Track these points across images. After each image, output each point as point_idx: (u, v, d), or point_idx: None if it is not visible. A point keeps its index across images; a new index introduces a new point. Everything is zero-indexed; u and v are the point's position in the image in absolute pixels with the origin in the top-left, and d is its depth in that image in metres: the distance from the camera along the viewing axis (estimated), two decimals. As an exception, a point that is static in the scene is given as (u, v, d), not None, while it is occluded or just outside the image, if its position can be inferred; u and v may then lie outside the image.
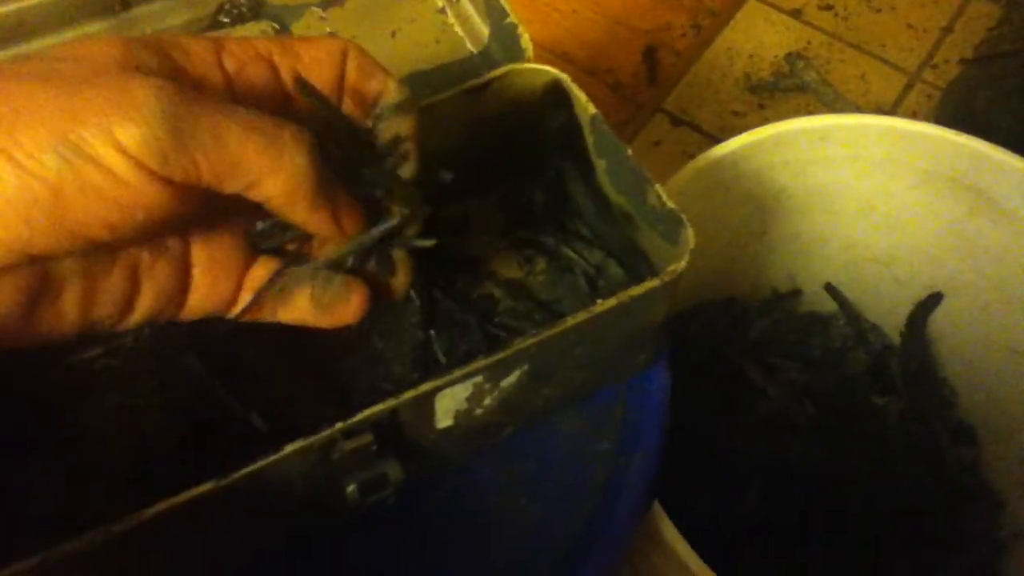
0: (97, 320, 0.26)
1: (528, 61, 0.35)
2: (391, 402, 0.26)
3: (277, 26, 0.37)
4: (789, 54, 0.80)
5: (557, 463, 0.32)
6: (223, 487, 0.24)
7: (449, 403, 0.27)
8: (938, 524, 0.47)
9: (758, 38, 0.82)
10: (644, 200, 0.31)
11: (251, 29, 0.37)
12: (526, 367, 0.28)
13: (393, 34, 0.38)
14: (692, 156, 0.81)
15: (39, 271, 0.24)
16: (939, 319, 0.52)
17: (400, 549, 0.30)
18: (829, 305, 0.55)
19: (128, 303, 0.26)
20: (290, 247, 0.29)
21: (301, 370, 0.31)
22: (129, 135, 0.22)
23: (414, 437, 0.28)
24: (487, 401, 0.28)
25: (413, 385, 0.26)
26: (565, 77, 0.33)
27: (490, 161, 0.36)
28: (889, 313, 0.54)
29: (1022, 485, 0.47)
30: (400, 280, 0.29)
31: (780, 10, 0.84)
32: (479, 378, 0.27)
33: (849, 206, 0.50)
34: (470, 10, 0.38)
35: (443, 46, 0.37)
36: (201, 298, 0.27)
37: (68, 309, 0.25)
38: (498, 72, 0.33)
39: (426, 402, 0.27)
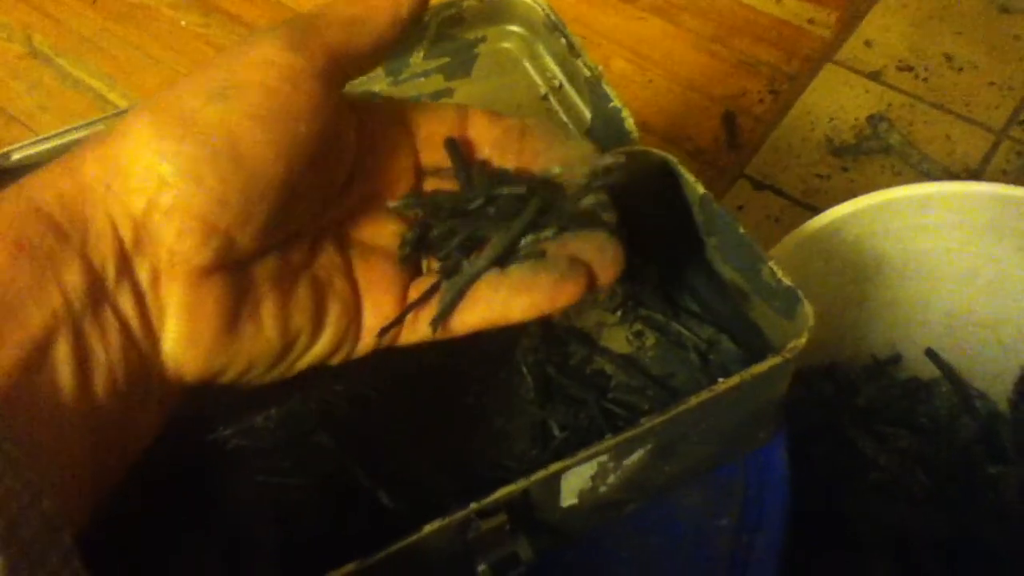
0: (294, 335, 0.26)
1: (634, 143, 0.36)
2: (523, 482, 0.26)
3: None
4: (871, 116, 0.80)
5: (679, 538, 0.32)
6: (366, 567, 0.25)
7: (575, 482, 0.28)
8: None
9: (838, 101, 0.82)
10: (759, 276, 0.31)
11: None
12: (649, 446, 0.29)
13: (500, 121, 0.39)
14: (776, 220, 0.81)
15: (238, 279, 0.25)
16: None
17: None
18: (930, 371, 0.54)
19: (319, 318, 0.26)
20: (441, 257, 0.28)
21: (424, 445, 0.32)
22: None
23: (541, 515, 0.29)
24: (611, 479, 0.29)
25: (536, 462, 0.27)
26: (672, 158, 0.34)
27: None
28: (996, 379, 0.53)
29: None
30: (607, 266, 0.26)
31: (859, 72, 0.84)
32: (604, 457, 0.28)
33: (951, 272, 0.50)
34: (572, 96, 0.39)
35: (549, 131, 0.39)
36: (372, 321, 0.27)
37: (267, 322, 0.25)
38: (615, 153, 0.34)
39: (554, 481, 0.27)
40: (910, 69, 0.84)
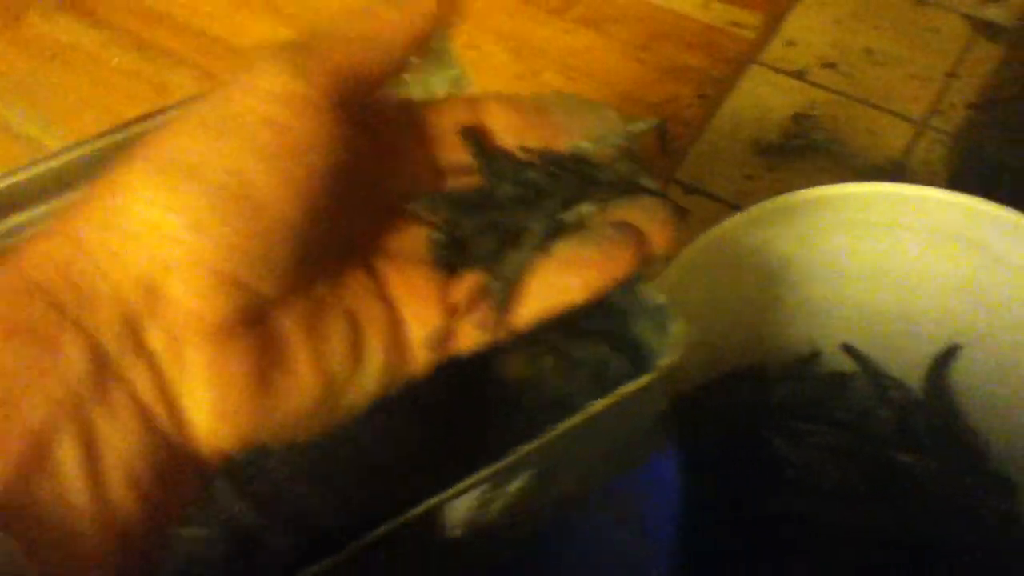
0: (335, 377, 0.23)
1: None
2: (400, 519, 0.27)
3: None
4: (796, 115, 0.82)
5: (578, 556, 0.33)
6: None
7: (458, 513, 0.29)
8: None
9: (764, 102, 0.84)
10: (635, 295, 0.32)
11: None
12: (531, 471, 0.29)
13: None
14: (706, 223, 0.82)
15: (263, 330, 0.22)
16: (962, 372, 0.52)
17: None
18: (851, 365, 0.55)
19: (358, 351, 0.24)
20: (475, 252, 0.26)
21: (322, 486, 0.33)
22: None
23: (427, 547, 0.30)
24: (496, 506, 0.30)
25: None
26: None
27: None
28: (912, 369, 0.54)
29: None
30: (658, 229, 0.25)
31: (783, 72, 0.86)
32: (484, 487, 0.28)
33: (859, 269, 0.51)
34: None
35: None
36: (420, 336, 0.25)
37: (303, 369, 0.23)
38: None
39: (433, 515, 0.28)
40: (833, 66, 0.86)
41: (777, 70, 0.86)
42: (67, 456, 0.19)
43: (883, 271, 0.50)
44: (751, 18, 0.92)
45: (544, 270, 0.25)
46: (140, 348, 0.21)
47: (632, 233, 0.25)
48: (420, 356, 0.25)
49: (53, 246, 0.21)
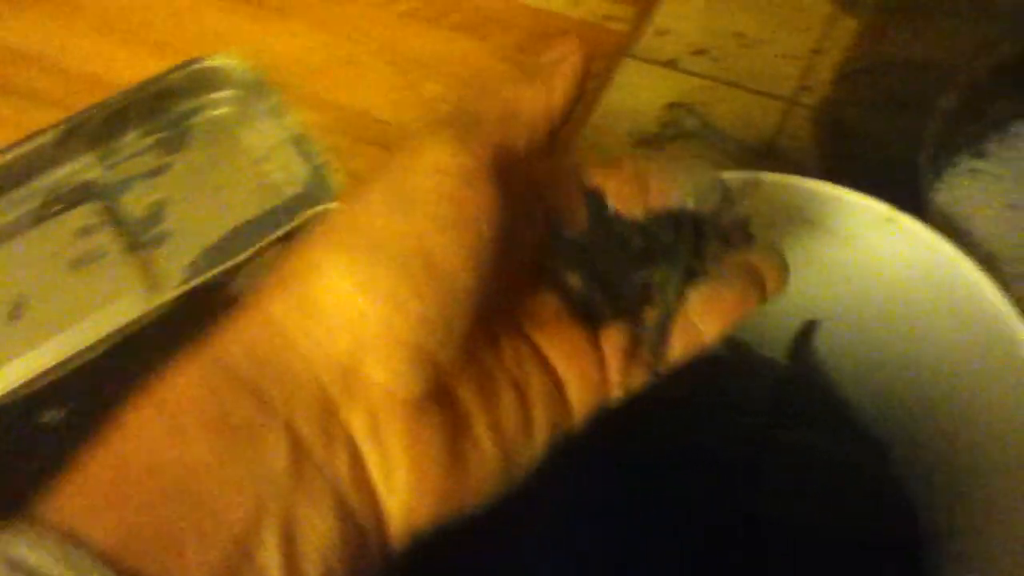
0: (513, 445, 0.24)
1: (339, 198, 0.37)
2: None
3: (107, 203, 0.39)
4: (670, 104, 0.83)
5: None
6: None
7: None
8: (861, 543, 0.47)
9: (638, 94, 0.85)
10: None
11: (83, 212, 0.39)
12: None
13: (217, 190, 0.39)
14: (592, 219, 0.82)
15: (448, 402, 0.23)
16: (829, 345, 0.53)
17: None
18: (722, 348, 0.56)
19: (528, 417, 0.25)
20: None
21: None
22: None
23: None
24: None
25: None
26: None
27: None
28: (779, 346, 0.55)
29: (935, 492, 0.48)
30: (775, 274, 0.28)
31: (655, 63, 0.87)
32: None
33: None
34: (290, 156, 0.40)
35: (265, 193, 0.39)
36: (579, 392, 0.26)
37: (485, 441, 0.23)
38: (303, 217, 0.34)
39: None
40: (703, 52, 0.87)
41: (650, 61, 0.87)
42: (270, 558, 0.19)
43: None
44: (623, 11, 0.93)
45: (683, 315, 0.26)
46: (338, 434, 0.21)
47: (757, 276, 0.27)
48: (579, 412, 0.26)
49: (252, 334, 0.21)
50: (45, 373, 0.32)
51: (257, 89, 0.40)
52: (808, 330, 0.50)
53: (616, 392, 0.26)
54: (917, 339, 0.45)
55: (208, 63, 0.40)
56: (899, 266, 0.44)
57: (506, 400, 0.24)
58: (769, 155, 0.77)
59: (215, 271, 0.33)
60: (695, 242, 0.27)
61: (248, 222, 0.38)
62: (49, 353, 0.34)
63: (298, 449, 0.20)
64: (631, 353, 0.26)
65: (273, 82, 0.40)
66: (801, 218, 0.47)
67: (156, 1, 0.92)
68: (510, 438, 0.24)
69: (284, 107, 0.39)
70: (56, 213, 0.38)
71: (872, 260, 0.45)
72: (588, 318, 0.26)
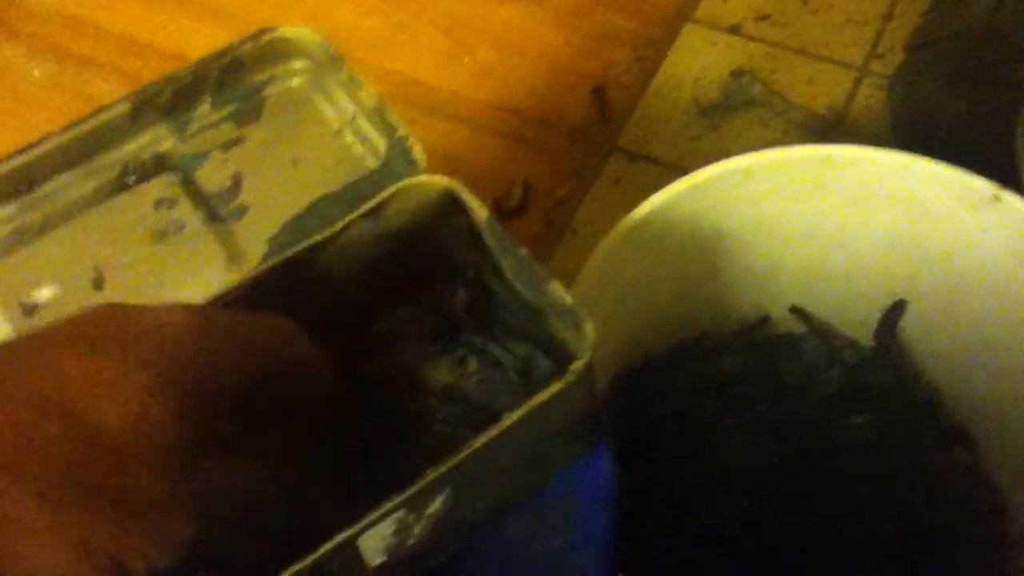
0: None
1: (422, 171, 0.35)
2: (313, 555, 0.26)
3: (184, 175, 0.38)
4: (734, 70, 0.80)
5: (514, 568, 0.32)
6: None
7: (375, 542, 0.27)
8: (937, 533, 0.46)
9: (701, 60, 0.82)
10: (548, 295, 0.31)
11: (160, 183, 0.38)
12: (447, 490, 0.28)
13: (295, 163, 0.38)
14: (653, 189, 0.81)
15: None
16: (912, 327, 0.51)
17: None
18: (800, 327, 0.55)
19: None
20: None
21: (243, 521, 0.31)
22: None
23: (350, 580, 0.28)
24: (417, 530, 0.28)
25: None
26: (454, 185, 0.33)
27: (407, 270, 0.36)
28: (862, 327, 0.53)
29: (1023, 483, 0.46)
30: None
31: (718, 28, 0.84)
32: (399, 513, 0.27)
33: (799, 233, 0.50)
34: (367, 128, 0.38)
35: (345, 167, 0.38)
36: None
37: None
38: (389, 192, 0.33)
39: (347, 549, 0.27)
40: (767, 17, 0.84)
41: (712, 26, 0.84)
42: None
43: (819, 232, 0.49)
44: (684, -26, 0.90)
45: None
46: None
47: None
48: None
49: None
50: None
51: (330, 60, 0.39)
52: (896, 311, 0.48)
53: None
54: (1014, 326, 0.43)
55: (279, 33, 0.39)
56: (1000, 248, 0.41)
57: None
58: (839, 126, 0.75)
59: (300, 247, 0.32)
60: None
61: (328, 196, 0.37)
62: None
63: None
64: None
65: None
66: (889, 194, 0.45)
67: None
68: None
69: (359, 78, 0.38)
70: (133, 185, 0.38)
71: (971, 240, 0.42)
72: None
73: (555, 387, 0.28)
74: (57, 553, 0.18)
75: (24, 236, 0.37)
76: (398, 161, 0.37)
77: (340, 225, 0.33)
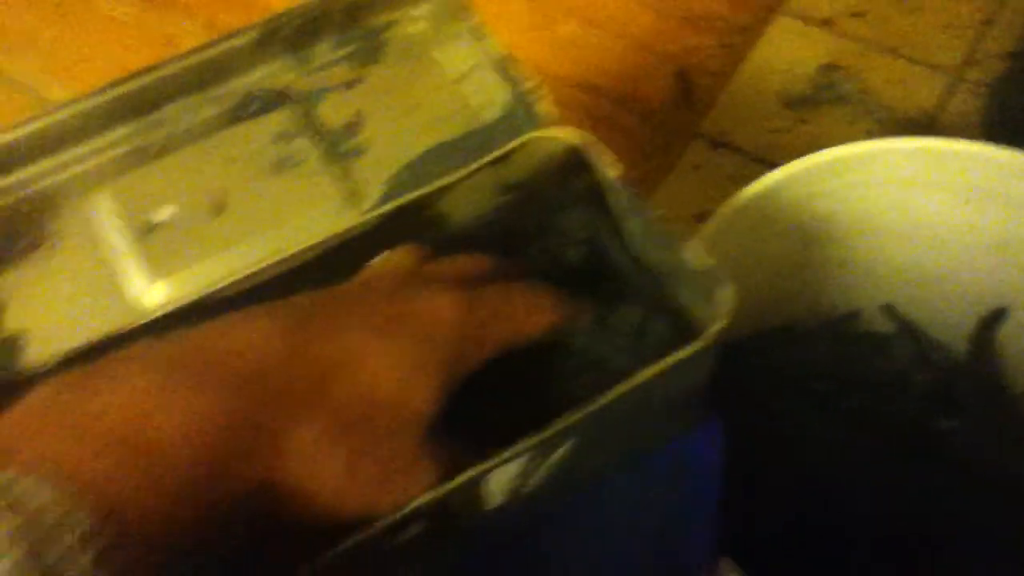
0: None
1: (547, 126, 0.35)
2: (439, 490, 0.25)
3: (304, 109, 0.38)
4: (825, 65, 0.79)
5: (619, 528, 0.31)
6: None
7: (498, 484, 0.27)
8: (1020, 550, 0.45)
9: (791, 52, 0.81)
10: (678, 258, 0.30)
11: (280, 116, 0.38)
12: (573, 440, 0.28)
13: (414, 108, 0.38)
14: (733, 178, 0.80)
15: None
16: (1008, 335, 0.50)
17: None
18: (890, 326, 0.53)
19: None
20: None
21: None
22: None
23: (465, 519, 0.28)
24: (537, 476, 0.28)
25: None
26: (583, 141, 0.33)
27: (523, 225, 0.36)
28: (954, 332, 0.52)
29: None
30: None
31: (810, 22, 0.82)
32: (526, 457, 0.27)
33: (898, 228, 0.49)
34: (487, 79, 0.38)
35: (463, 116, 0.37)
36: None
37: None
38: (519, 141, 0.33)
39: (472, 486, 0.26)
40: (862, 15, 0.82)
41: (804, 19, 0.83)
42: None
43: (921, 230, 0.48)
44: (776, -36, 0.89)
45: None
46: None
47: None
48: None
49: None
50: (243, 278, 0.32)
51: (454, 8, 0.38)
52: (996, 318, 0.47)
53: None
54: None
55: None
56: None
57: None
58: (929, 131, 0.73)
59: (429, 188, 0.32)
60: None
61: (444, 144, 0.37)
62: (250, 253, 0.34)
63: None
64: None
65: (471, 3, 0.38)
66: (986, 191, 0.43)
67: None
68: None
69: (484, 29, 0.37)
70: (254, 114, 0.37)
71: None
72: None
73: (693, 347, 0.27)
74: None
75: (144, 156, 0.36)
76: (520, 115, 0.37)
77: (468, 170, 0.32)
